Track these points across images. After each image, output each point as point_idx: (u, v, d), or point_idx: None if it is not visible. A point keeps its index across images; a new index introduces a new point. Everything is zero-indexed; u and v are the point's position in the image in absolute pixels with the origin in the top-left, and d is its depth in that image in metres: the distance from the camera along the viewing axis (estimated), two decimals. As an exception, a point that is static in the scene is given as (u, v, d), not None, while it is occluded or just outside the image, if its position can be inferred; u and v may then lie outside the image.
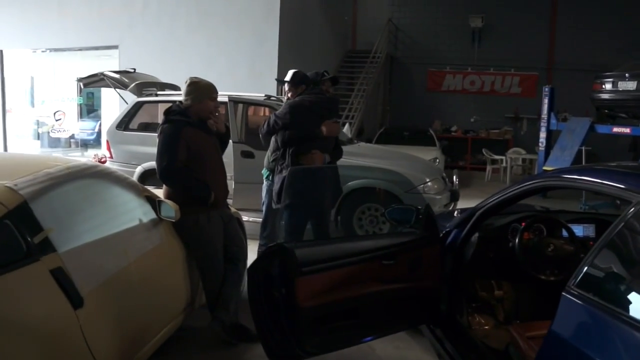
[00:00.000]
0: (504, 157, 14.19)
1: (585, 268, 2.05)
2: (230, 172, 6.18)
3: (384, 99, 17.49)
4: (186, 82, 3.93)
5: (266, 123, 4.75)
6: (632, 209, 2.00)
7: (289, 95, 4.81)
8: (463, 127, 17.07)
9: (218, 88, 6.76)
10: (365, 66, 15.01)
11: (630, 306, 1.88)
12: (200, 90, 3.88)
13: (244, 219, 4.98)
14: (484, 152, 14.68)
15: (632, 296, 1.94)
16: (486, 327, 3.53)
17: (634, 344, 1.73)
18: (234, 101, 6.91)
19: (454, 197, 6.96)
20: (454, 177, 7.60)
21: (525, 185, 2.76)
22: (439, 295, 3.17)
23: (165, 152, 3.75)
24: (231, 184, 6.26)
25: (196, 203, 3.80)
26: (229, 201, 5.16)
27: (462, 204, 6.68)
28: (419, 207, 3.14)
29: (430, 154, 10.75)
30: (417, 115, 16.60)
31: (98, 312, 2.66)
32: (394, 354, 3.88)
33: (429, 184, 6.56)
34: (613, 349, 1.79)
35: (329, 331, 2.71)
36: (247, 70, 11.08)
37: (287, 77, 4.83)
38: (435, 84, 17.55)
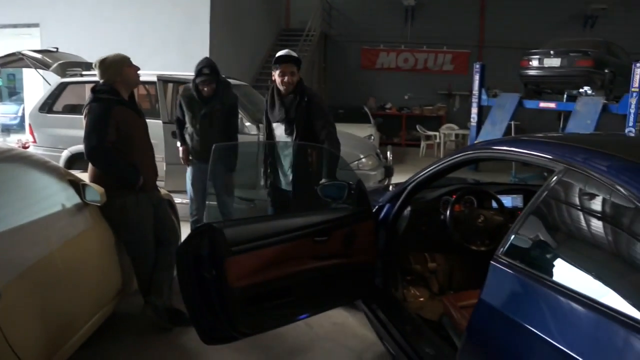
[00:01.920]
0: (437, 133, 14.49)
1: (512, 237, 2.08)
2: (161, 154, 6.05)
3: (319, 78, 17.44)
4: (95, 65, 3.73)
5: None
6: (554, 177, 2.04)
7: (294, 79, 4.18)
8: (397, 104, 17.30)
9: (147, 68, 6.58)
10: (299, 45, 14.88)
11: (555, 272, 1.92)
12: (113, 63, 3.68)
13: (176, 201, 4.86)
14: (418, 129, 14.94)
15: (556, 262, 1.99)
16: (421, 299, 3.58)
17: (559, 308, 1.77)
18: (163, 80, 6.70)
19: (388, 173, 7.04)
20: (388, 153, 7.67)
21: (455, 158, 2.78)
22: (373, 270, 3.18)
23: (93, 131, 3.56)
24: (162, 166, 6.12)
25: (124, 186, 3.66)
26: (161, 183, 5.04)
27: (396, 179, 6.74)
28: (351, 182, 3.13)
29: (365, 131, 10.83)
30: (352, 93, 16.70)
31: (17, 305, 2.50)
32: (332, 329, 3.89)
33: (363, 160, 6.60)
34: (539, 314, 1.83)
35: (262, 311, 2.67)
36: (178, 50, 10.78)
37: (297, 56, 4.26)
38: (369, 62, 17.66)
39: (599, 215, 1.97)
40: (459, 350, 2.17)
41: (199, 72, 4.77)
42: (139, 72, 3.83)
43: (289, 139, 4.26)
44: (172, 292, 3.84)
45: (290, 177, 4.26)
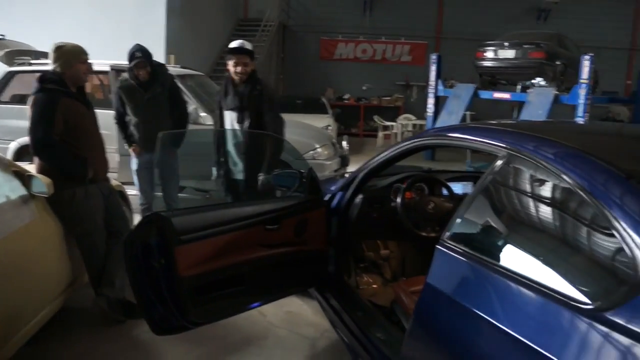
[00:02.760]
0: (395, 124, 14.63)
1: (457, 221, 2.12)
2: (114, 145, 5.93)
3: (277, 68, 17.37)
4: (51, 48, 3.65)
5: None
6: (498, 163, 2.09)
7: (247, 69, 4.22)
8: (355, 95, 17.38)
9: (101, 58, 6.43)
10: (257, 35, 14.78)
11: (497, 255, 1.97)
12: (68, 54, 3.62)
13: (129, 193, 4.77)
14: (376, 119, 15.05)
15: (499, 245, 2.04)
16: (374, 286, 3.62)
17: (503, 290, 1.81)
18: (117, 70, 6.55)
19: (344, 163, 7.09)
20: (344, 142, 7.72)
21: (405, 146, 2.81)
22: (326, 258, 3.19)
23: (39, 122, 3.47)
24: (115, 157, 6.01)
25: (73, 177, 3.58)
26: (114, 175, 4.96)
27: (353, 169, 6.77)
28: (303, 171, 3.13)
29: (322, 122, 10.86)
30: (311, 83, 16.70)
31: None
32: (286, 317, 3.90)
33: (319, 150, 6.63)
34: (483, 297, 1.86)
35: (213, 300, 2.65)
36: (133, 40, 10.47)
37: (249, 47, 4.30)
38: (328, 53, 17.67)
39: (540, 199, 2.02)
40: (406, 332, 2.20)
41: (131, 56, 4.76)
42: (91, 64, 3.77)
43: (239, 128, 4.30)
44: (125, 284, 3.78)
45: (240, 166, 4.30)
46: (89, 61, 3.77)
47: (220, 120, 4.49)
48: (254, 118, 4.25)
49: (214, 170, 4.46)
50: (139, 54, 4.74)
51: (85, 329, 3.71)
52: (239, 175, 4.35)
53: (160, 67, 5.08)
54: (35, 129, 3.47)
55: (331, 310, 3.11)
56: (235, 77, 4.25)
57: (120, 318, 3.74)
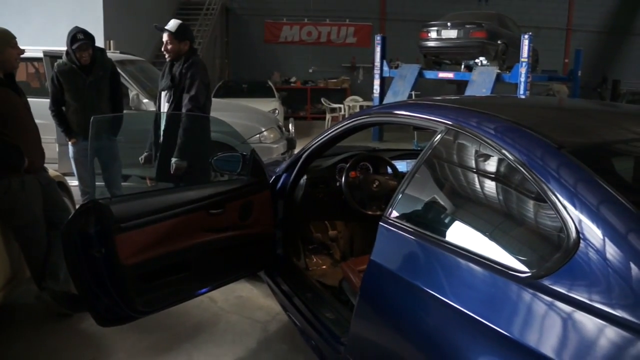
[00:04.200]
0: (342, 106, 14.66)
1: (399, 197, 2.14)
2: (52, 135, 5.72)
3: (222, 52, 17.10)
4: None
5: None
6: (437, 137, 2.11)
7: (169, 48, 4.28)
8: (302, 78, 17.33)
9: (36, 44, 6.16)
10: (200, 18, 14.49)
11: (439, 229, 2.00)
12: None
13: (70, 184, 4.62)
14: (323, 102, 15.05)
15: (440, 220, 2.07)
16: (323, 267, 3.64)
17: (444, 264, 1.84)
18: (51, 56, 6.30)
19: (291, 145, 7.09)
20: (290, 125, 7.70)
21: (347, 124, 2.79)
22: (274, 241, 3.18)
23: None
24: (54, 147, 5.80)
25: (7, 168, 3.43)
26: (54, 165, 4.79)
27: (301, 152, 6.81)
28: (245, 153, 3.09)
29: (269, 106, 10.79)
30: (256, 67, 16.55)
31: None
32: (236, 302, 3.88)
33: (265, 133, 6.59)
34: (427, 271, 1.89)
35: (159, 288, 2.60)
36: (69, 26, 10.10)
37: (170, 27, 4.27)
38: (273, 36, 17.52)
39: (477, 173, 2.05)
40: (354, 311, 2.22)
41: (73, 38, 4.58)
42: (22, 49, 3.59)
43: (167, 108, 4.33)
44: (69, 276, 3.67)
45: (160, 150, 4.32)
46: (20, 47, 3.61)
47: (158, 102, 4.50)
48: (178, 97, 4.27)
49: (143, 155, 4.46)
50: (81, 36, 4.57)
51: (29, 325, 3.60)
52: (162, 159, 4.31)
53: (101, 51, 4.93)
54: None
55: (281, 293, 3.11)
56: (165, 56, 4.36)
57: (67, 311, 3.64)
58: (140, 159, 4.42)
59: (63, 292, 3.64)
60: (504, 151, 1.82)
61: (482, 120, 2.03)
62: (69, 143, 4.95)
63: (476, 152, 2.01)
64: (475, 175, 2.05)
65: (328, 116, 14.68)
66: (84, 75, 4.69)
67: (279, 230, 3.20)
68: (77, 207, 4.52)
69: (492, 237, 1.84)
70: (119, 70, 5.28)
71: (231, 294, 3.91)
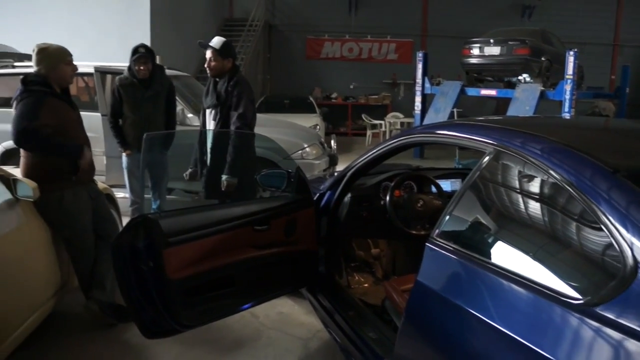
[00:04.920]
0: (383, 122, 14.64)
1: (446, 218, 2.12)
2: (100, 147, 5.89)
3: (264, 68, 17.33)
4: (34, 50, 3.61)
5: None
6: (485, 159, 2.09)
7: (212, 65, 4.30)
8: (343, 94, 17.39)
9: (88, 60, 6.37)
10: (243, 35, 14.74)
11: (487, 251, 1.97)
12: (52, 56, 3.58)
13: (117, 196, 4.74)
14: (364, 118, 15.06)
15: (488, 242, 2.04)
16: (365, 285, 3.62)
17: (492, 287, 1.81)
18: (101, 72, 6.50)
19: (333, 162, 7.09)
20: (332, 142, 7.72)
21: (392, 143, 2.80)
22: (317, 258, 3.18)
23: (22, 117, 3.42)
24: (102, 160, 5.96)
25: (60, 179, 3.54)
26: (101, 177, 4.93)
27: (341, 168, 6.80)
28: (290, 170, 3.12)
29: (310, 121, 10.86)
30: (298, 83, 16.68)
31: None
32: (278, 318, 3.89)
33: (307, 149, 6.62)
34: (473, 294, 1.86)
35: (204, 302, 2.63)
36: (118, 41, 10.46)
37: (215, 44, 4.30)
38: (314, 52, 17.65)
39: (529, 195, 2.03)
40: (398, 331, 2.20)
41: (134, 51, 4.87)
42: (76, 65, 3.74)
43: (214, 126, 4.35)
44: (115, 287, 3.75)
45: (207, 167, 4.34)
46: (74, 63, 3.74)
47: (202, 119, 4.55)
48: (225, 115, 4.29)
49: (188, 171, 4.50)
50: (142, 50, 4.88)
51: (75, 333, 3.68)
52: (210, 176, 4.34)
53: (161, 69, 5.18)
54: (18, 122, 3.42)
55: (323, 310, 3.11)
56: (208, 72, 4.38)
57: (112, 321, 3.72)
58: (185, 175, 4.49)
59: (109, 302, 3.73)
60: (552, 172, 1.80)
61: (532, 141, 2.00)
62: (123, 154, 5.11)
63: (526, 174, 1.98)
64: (524, 198, 2.02)
65: (369, 132, 14.68)
66: (142, 89, 4.93)
67: (322, 248, 3.20)
68: (122, 218, 4.67)
69: (541, 261, 1.80)
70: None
71: (272, 310, 3.93)
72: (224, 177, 4.18)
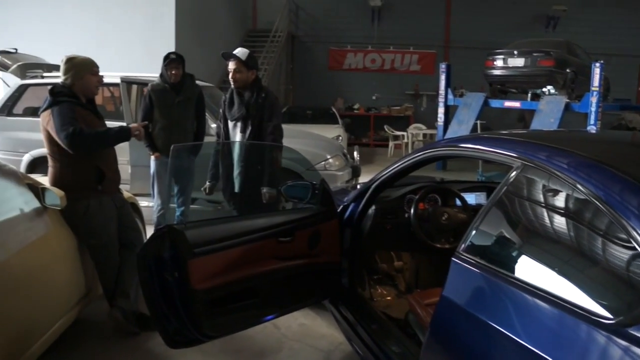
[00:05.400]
0: (405, 133, 14.61)
1: (472, 233, 2.10)
2: (125, 157, 5.96)
3: (287, 79, 17.42)
4: (62, 60, 3.69)
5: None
6: (513, 173, 2.07)
7: (237, 76, 4.25)
8: (365, 105, 17.40)
9: (112, 69, 6.48)
10: (266, 46, 14.85)
11: (514, 267, 1.94)
12: (79, 66, 3.66)
13: (141, 205, 4.79)
14: (386, 129, 15.04)
15: (516, 257, 2.01)
16: (388, 298, 3.60)
17: (519, 303, 1.79)
18: (127, 82, 6.60)
19: (356, 173, 7.07)
20: (355, 153, 7.71)
21: (418, 156, 2.79)
22: (340, 270, 3.17)
23: (64, 123, 3.48)
24: (127, 169, 6.03)
25: (86, 188, 3.60)
26: (126, 187, 4.99)
27: (364, 179, 6.76)
28: (315, 182, 3.12)
29: (333, 132, 10.85)
30: (320, 93, 16.73)
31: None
32: (299, 330, 3.88)
33: (330, 160, 6.62)
34: (499, 310, 1.84)
35: (227, 313, 2.64)
36: (143, 51, 10.65)
37: (240, 55, 4.25)
38: (337, 63, 17.70)
39: (556, 210, 2.00)
40: (422, 346, 2.18)
41: (166, 57, 5.08)
42: (101, 76, 3.81)
43: (241, 138, 4.32)
44: (138, 295, 3.78)
45: (239, 179, 4.29)
46: (100, 73, 3.81)
47: (224, 131, 4.49)
48: (256, 127, 4.26)
49: (207, 184, 4.49)
50: (173, 55, 5.09)
51: (98, 341, 3.71)
52: (241, 188, 4.31)
53: (191, 77, 5.36)
54: (63, 128, 3.48)
55: (345, 322, 3.10)
56: (232, 83, 4.34)
57: (135, 330, 3.74)
58: (203, 189, 4.49)
59: (132, 311, 3.75)
60: (579, 186, 1.77)
61: (562, 157, 1.97)
62: (152, 158, 5.20)
63: (553, 188, 1.96)
64: (553, 214, 1.99)
65: (391, 144, 14.66)
66: (173, 94, 5.09)
67: (345, 259, 3.19)
68: (146, 227, 4.72)
69: (570, 278, 1.78)
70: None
71: (294, 321, 3.92)
72: (264, 189, 4.17)
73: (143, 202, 5.02)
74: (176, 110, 5.09)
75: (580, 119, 10.70)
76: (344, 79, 17.61)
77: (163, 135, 5.09)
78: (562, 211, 1.98)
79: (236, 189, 4.30)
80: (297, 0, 17.34)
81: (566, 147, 2.09)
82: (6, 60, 7.26)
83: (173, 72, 5.04)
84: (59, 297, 3.32)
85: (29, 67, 7.22)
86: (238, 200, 4.35)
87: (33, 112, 6.95)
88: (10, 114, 7.01)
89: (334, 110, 13.87)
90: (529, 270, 1.90)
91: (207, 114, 6.36)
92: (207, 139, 5.69)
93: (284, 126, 4.45)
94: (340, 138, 11.02)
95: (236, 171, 4.30)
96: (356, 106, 17.35)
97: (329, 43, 17.51)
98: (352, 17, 17.26)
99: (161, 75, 5.16)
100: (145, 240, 4.13)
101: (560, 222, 1.98)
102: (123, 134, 3.79)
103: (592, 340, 1.52)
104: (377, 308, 3.25)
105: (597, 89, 10.05)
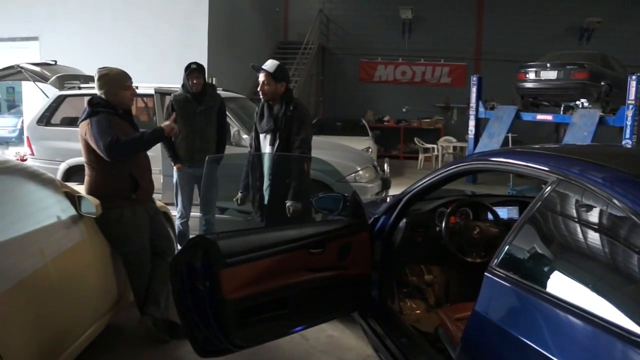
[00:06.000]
0: (435, 146, 14.53)
1: (506, 248, 2.08)
2: (158, 166, 6.06)
3: (317, 90, 17.50)
4: (95, 75, 3.78)
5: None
6: (548, 188, 2.05)
7: (266, 89, 4.22)
8: (395, 117, 17.35)
9: (146, 80, 6.60)
10: (297, 57, 14.94)
11: (548, 283, 1.92)
12: (112, 82, 3.74)
13: (173, 214, 4.86)
14: (416, 141, 14.97)
15: (550, 273, 1.99)
16: (417, 312, 3.57)
17: (553, 320, 1.76)
18: (161, 93, 6.72)
19: (386, 185, 7.04)
20: (385, 165, 7.68)
21: (450, 170, 2.78)
22: (369, 282, 3.16)
23: (103, 131, 3.59)
24: (159, 178, 6.12)
25: (120, 197, 3.67)
26: (157, 196, 5.06)
27: (394, 191, 6.75)
28: (346, 194, 3.12)
29: (363, 144, 10.84)
30: (350, 105, 16.75)
31: (11, 316, 2.51)
32: (328, 342, 3.87)
33: (360, 172, 6.60)
34: (533, 326, 1.82)
35: (257, 323, 2.65)
36: (176, 62, 10.70)
37: (268, 67, 4.21)
38: (367, 75, 17.72)
39: (592, 226, 1.97)
40: (453, 361, 2.16)
41: (187, 67, 5.22)
42: (135, 88, 3.91)
43: (270, 150, 4.32)
44: (169, 304, 3.82)
45: (268, 191, 4.31)
46: (134, 85, 3.89)
47: (255, 143, 4.50)
48: (284, 140, 4.24)
49: (238, 195, 4.48)
50: (195, 65, 5.21)
51: (129, 347, 3.76)
52: (270, 200, 4.31)
53: (212, 86, 5.51)
54: (102, 137, 3.57)
55: (374, 335, 3.08)
56: (261, 96, 4.33)
57: (165, 338, 3.78)
58: (235, 200, 4.49)
59: (163, 319, 3.80)
60: (616, 201, 1.75)
61: (598, 172, 1.95)
62: (174, 169, 5.30)
63: (593, 205, 1.93)
64: (590, 230, 1.96)
65: (421, 156, 14.59)
66: (195, 104, 5.19)
67: (375, 272, 3.18)
68: (176, 234, 4.78)
69: (606, 295, 1.75)
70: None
71: (322, 333, 3.92)
72: (289, 203, 4.14)
73: (173, 211, 5.09)
74: (198, 120, 5.19)
75: (614, 133, 10.50)
76: (374, 91, 17.60)
77: (185, 144, 5.19)
78: (598, 227, 1.94)
79: (265, 201, 4.32)
80: (328, 12, 17.43)
81: (601, 161, 2.06)
82: (46, 72, 7.45)
83: (194, 81, 5.16)
84: (92, 303, 3.39)
85: (67, 78, 7.40)
86: (266, 213, 4.35)
87: (70, 122, 7.14)
88: (48, 123, 7.20)
89: (364, 122, 13.86)
90: (564, 286, 1.88)
91: (238, 125, 6.45)
92: (228, 148, 5.76)
93: (314, 138, 4.45)
94: (370, 150, 11.00)
95: (266, 184, 4.32)
96: (386, 118, 17.32)
97: (359, 55, 17.55)
98: (383, 29, 17.28)
99: (183, 86, 5.28)
100: (176, 250, 4.19)
101: (595, 238, 1.95)
102: (157, 134, 3.90)
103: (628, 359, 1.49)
104: (407, 322, 3.22)
105: (634, 102, 9.86)
